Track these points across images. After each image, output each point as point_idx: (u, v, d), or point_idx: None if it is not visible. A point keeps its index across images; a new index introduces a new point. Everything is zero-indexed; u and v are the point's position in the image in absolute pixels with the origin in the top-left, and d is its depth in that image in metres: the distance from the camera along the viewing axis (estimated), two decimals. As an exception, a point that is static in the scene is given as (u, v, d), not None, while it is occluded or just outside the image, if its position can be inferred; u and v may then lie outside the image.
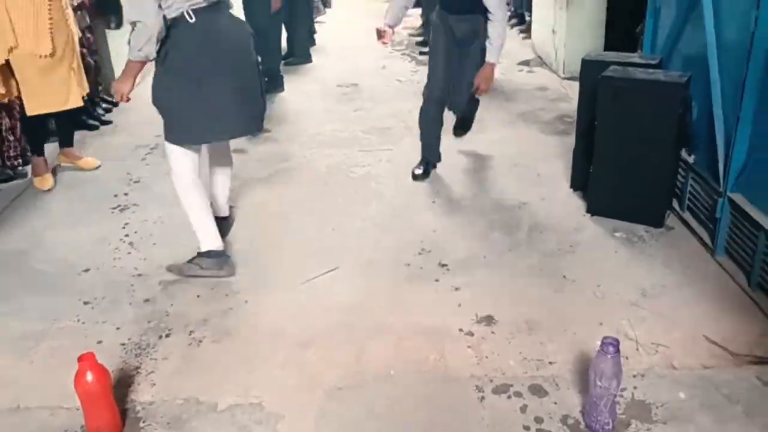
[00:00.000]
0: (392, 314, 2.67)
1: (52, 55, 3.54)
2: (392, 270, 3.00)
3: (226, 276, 2.94)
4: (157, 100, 2.73)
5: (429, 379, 2.30)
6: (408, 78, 5.86)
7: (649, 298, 2.71)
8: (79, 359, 2.00)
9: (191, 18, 2.57)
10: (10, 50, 3.46)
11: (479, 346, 2.45)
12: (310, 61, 6.42)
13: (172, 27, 2.58)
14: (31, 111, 3.64)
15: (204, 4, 2.61)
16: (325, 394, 2.24)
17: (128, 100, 2.73)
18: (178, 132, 2.75)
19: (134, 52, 2.57)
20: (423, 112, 3.81)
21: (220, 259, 2.95)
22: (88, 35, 4.95)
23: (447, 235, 3.26)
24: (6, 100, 3.77)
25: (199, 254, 2.95)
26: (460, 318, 2.62)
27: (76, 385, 2.00)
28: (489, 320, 2.60)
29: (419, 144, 4.15)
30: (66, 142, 4.18)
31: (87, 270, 3.04)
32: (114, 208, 3.64)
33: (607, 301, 2.71)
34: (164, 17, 2.53)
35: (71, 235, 3.37)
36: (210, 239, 2.93)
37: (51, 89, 3.62)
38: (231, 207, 3.38)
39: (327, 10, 8.18)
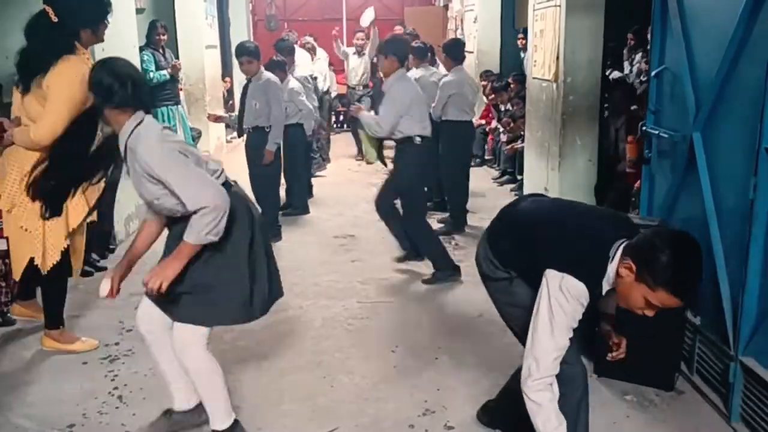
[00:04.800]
0: (397, 483, 2.50)
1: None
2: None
3: None
4: (203, 284, 2.47)
5: None
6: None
7: (668, 470, 2.57)
8: None
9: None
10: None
11: None
12: (308, 212, 6.52)
13: None
14: (78, 266, 3.60)
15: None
16: None
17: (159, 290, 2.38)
18: (225, 311, 2.53)
19: (201, 236, 2.32)
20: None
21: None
22: (93, 183, 5.03)
23: (452, 395, 3.13)
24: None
25: None
26: (471, 489, 2.46)
27: None
28: (502, 492, 2.44)
29: (419, 298, 4.11)
30: (30, 293, 3.87)
31: (71, 426, 2.87)
32: (103, 359, 3.50)
33: (625, 472, 2.56)
34: None
35: (55, 387, 3.22)
36: (228, 414, 2.68)
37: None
38: None
39: (327, 165, 8.46)
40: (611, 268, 2.08)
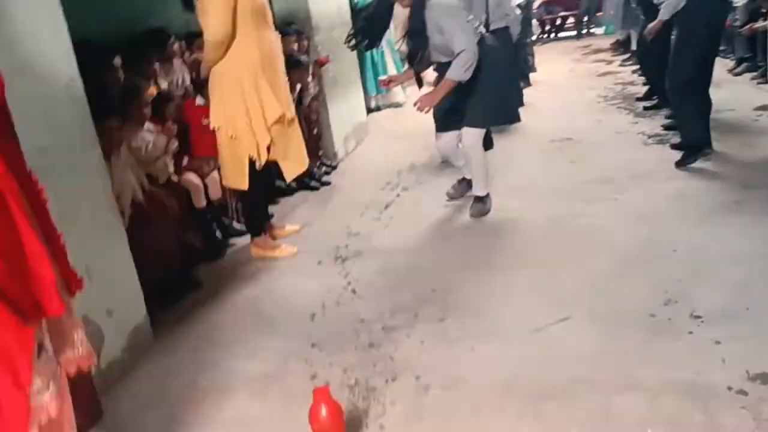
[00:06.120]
0: (640, 368, 2.34)
1: (292, 119, 3.69)
2: (634, 321, 2.66)
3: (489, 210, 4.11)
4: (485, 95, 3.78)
5: (697, 442, 1.95)
6: (627, 129, 5.51)
7: None
8: (315, 392, 1.96)
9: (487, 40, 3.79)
10: (280, 118, 3.52)
11: (758, 407, 2.04)
12: (519, 120, 6.30)
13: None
14: (290, 176, 3.82)
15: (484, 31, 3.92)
16: (571, 451, 1.97)
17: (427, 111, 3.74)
18: (492, 117, 4.06)
19: (459, 73, 3.58)
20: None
21: (487, 202, 4.11)
22: (314, 103, 5.29)
23: (696, 285, 2.85)
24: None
25: (478, 199, 4.09)
26: (727, 375, 2.23)
27: (310, 417, 1.95)
28: (765, 378, 2.18)
29: (648, 192, 3.79)
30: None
31: (314, 315, 3.08)
32: (336, 258, 3.71)
33: None
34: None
35: (297, 283, 3.47)
36: (486, 186, 4.10)
37: (297, 153, 3.77)
38: None
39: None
40: None
